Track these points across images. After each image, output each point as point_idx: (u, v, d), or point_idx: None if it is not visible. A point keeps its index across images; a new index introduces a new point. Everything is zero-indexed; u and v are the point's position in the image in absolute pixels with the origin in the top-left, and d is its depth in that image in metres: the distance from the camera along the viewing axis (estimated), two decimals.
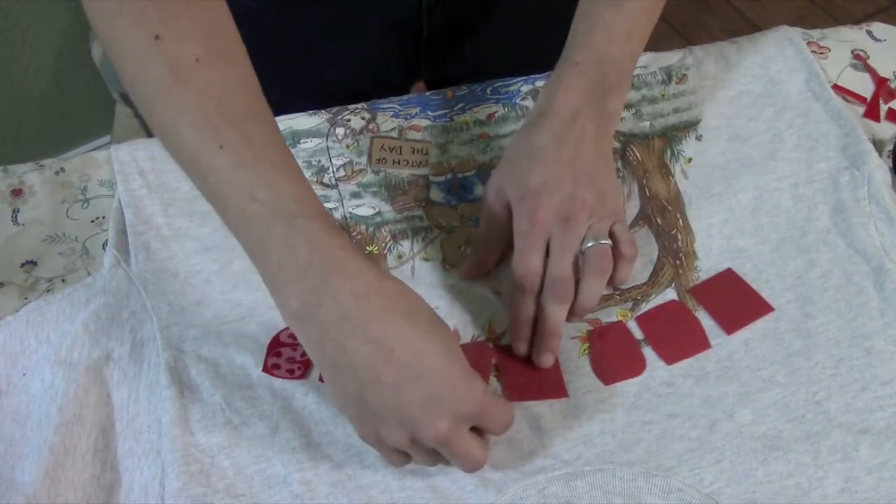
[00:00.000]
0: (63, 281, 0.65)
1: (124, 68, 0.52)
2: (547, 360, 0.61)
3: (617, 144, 0.74)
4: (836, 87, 0.77)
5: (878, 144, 0.73)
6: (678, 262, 0.68)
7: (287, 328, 0.62)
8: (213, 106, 0.50)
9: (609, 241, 0.60)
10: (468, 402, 0.50)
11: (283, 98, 0.75)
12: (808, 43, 0.80)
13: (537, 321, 0.61)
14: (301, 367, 0.61)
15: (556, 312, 0.60)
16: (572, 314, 0.61)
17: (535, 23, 0.84)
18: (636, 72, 0.77)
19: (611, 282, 0.62)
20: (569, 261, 0.59)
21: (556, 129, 0.61)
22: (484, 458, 0.53)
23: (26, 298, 0.64)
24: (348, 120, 0.74)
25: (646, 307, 0.66)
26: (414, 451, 0.53)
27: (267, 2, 0.79)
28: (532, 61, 0.77)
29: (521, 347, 0.62)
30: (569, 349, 0.64)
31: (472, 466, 0.53)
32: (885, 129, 0.76)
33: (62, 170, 0.71)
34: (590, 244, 0.60)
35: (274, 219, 0.49)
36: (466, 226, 0.69)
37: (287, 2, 0.79)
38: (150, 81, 0.51)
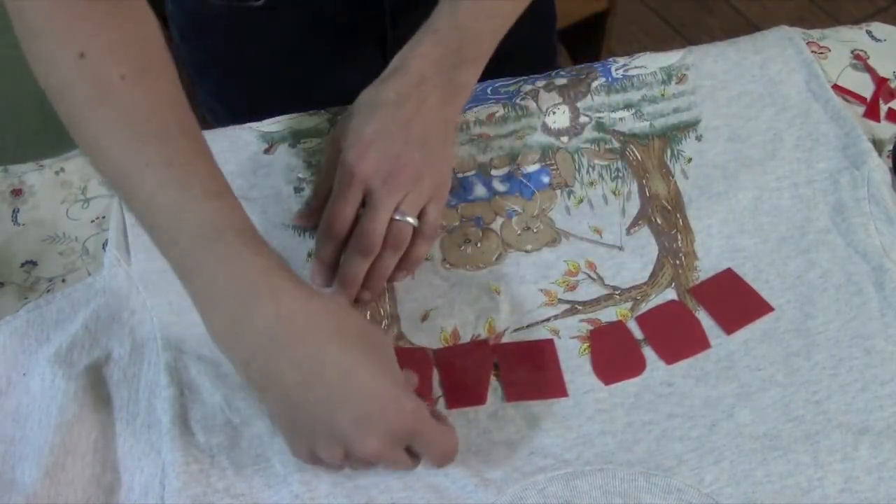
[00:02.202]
0: (63, 281, 0.65)
1: (51, 86, 0.52)
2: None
3: (617, 144, 0.74)
4: (836, 87, 0.77)
5: (878, 144, 0.73)
6: (678, 262, 0.68)
7: None
8: (138, 124, 0.50)
9: (414, 222, 0.61)
10: (399, 421, 0.50)
11: (251, 101, 0.76)
12: (808, 43, 0.80)
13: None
14: None
15: (356, 264, 0.60)
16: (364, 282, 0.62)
17: None
18: (636, 72, 0.77)
19: (404, 260, 0.63)
20: (380, 219, 0.60)
21: (401, 88, 0.62)
22: (414, 465, 0.54)
23: (26, 298, 0.64)
24: None
25: (646, 307, 0.66)
26: (350, 464, 0.53)
27: (227, 9, 0.79)
28: (498, 62, 0.77)
29: (317, 283, 0.62)
30: (569, 349, 0.64)
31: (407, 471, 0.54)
32: (885, 129, 0.76)
33: (62, 170, 0.71)
34: (396, 217, 0.60)
35: (195, 243, 0.49)
36: (466, 226, 0.69)
37: (247, 8, 0.79)
38: (76, 100, 0.51)
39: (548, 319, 0.65)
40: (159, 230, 0.51)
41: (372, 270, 0.61)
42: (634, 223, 0.70)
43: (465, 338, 0.64)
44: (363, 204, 0.61)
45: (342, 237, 0.61)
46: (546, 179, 0.72)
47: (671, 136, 0.74)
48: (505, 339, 0.64)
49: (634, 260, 0.68)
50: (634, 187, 0.72)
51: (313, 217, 0.65)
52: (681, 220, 0.70)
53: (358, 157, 0.60)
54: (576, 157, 0.73)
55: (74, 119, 0.51)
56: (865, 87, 0.78)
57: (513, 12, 0.65)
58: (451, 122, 0.64)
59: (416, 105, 0.61)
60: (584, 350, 0.64)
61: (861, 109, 0.77)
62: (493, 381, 0.62)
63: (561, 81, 0.77)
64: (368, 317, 0.65)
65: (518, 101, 0.76)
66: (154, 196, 0.50)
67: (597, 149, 0.74)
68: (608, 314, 0.66)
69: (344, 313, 0.52)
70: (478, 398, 0.61)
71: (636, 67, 0.78)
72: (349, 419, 0.49)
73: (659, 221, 0.70)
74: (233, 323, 0.49)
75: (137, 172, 0.50)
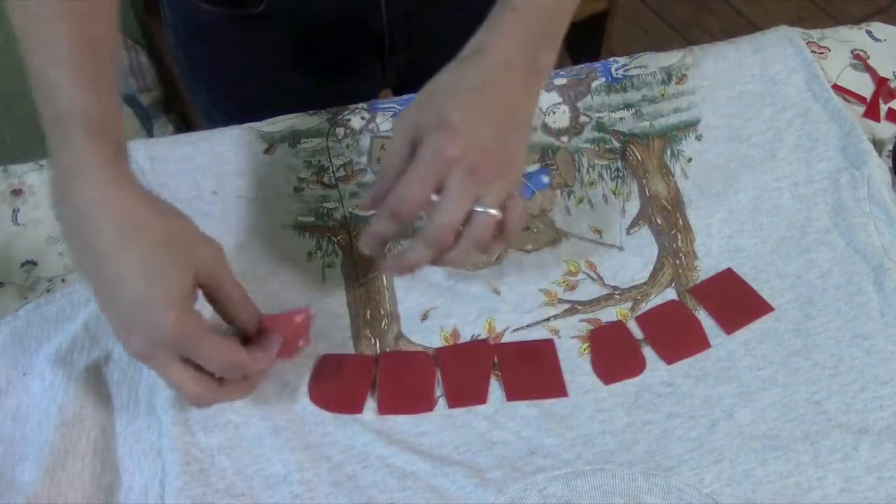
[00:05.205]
0: (63, 281, 0.65)
1: None
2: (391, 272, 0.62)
3: (617, 144, 0.74)
4: (836, 87, 0.77)
5: (878, 144, 0.73)
6: (678, 262, 0.68)
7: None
8: (43, 7, 0.54)
9: (498, 214, 0.56)
10: (158, 330, 0.51)
11: (248, 107, 0.76)
12: (808, 43, 0.80)
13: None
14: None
15: (422, 254, 0.56)
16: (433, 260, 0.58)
17: None
18: (636, 72, 0.77)
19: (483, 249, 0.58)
20: (457, 213, 0.55)
21: (486, 73, 0.57)
22: (194, 389, 0.53)
23: (26, 298, 0.64)
24: (348, 120, 0.74)
25: (646, 307, 0.66)
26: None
27: (224, 17, 0.79)
28: None
29: (365, 250, 0.60)
30: (569, 349, 0.64)
31: (185, 397, 0.54)
32: (885, 129, 0.76)
33: None
34: (479, 209, 0.55)
35: (53, 119, 0.54)
36: None
37: (245, 16, 0.79)
38: None
39: (548, 319, 0.65)
40: (37, 105, 0.55)
41: (444, 257, 0.57)
42: (634, 223, 0.70)
43: (465, 337, 0.64)
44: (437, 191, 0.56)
45: (407, 222, 0.57)
46: (546, 179, 0.72)
47: (671, 136, 0.74)
48: (505, 339, 0.64)
49: (634, 260, 0.68)
50: (634, 187, 0.72)
51: (381, 201, 0.59)
52: (681, 220, 0.70)
53: (445, 142, 0.55)
54: (576, 156, 0.73)
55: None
56: (865, 87, 0.78)
57: None
58: (530, 114, 0.60)
59: (501, 92, 0.57)
60: (584, 350, 0.64)
61: (861, 109, 0.77)
62: (494, 380, 0.62)
63: (561, 81, 0.77)
64: (369, 316, 0.65)
65: None
66: (38, 72, 0.54)
67: (597, 149, 0.74)
68: (608, 314, 0.66)
69: (148, 219, 0.53)
70: (478, 398, 0.61)
71: (636, 67, 0.78)
72: (117, 315, 0.52)
73: (659, 221, 0.70)
74: (57, 198, 0.54)
75: (31, 49, 0.55)
